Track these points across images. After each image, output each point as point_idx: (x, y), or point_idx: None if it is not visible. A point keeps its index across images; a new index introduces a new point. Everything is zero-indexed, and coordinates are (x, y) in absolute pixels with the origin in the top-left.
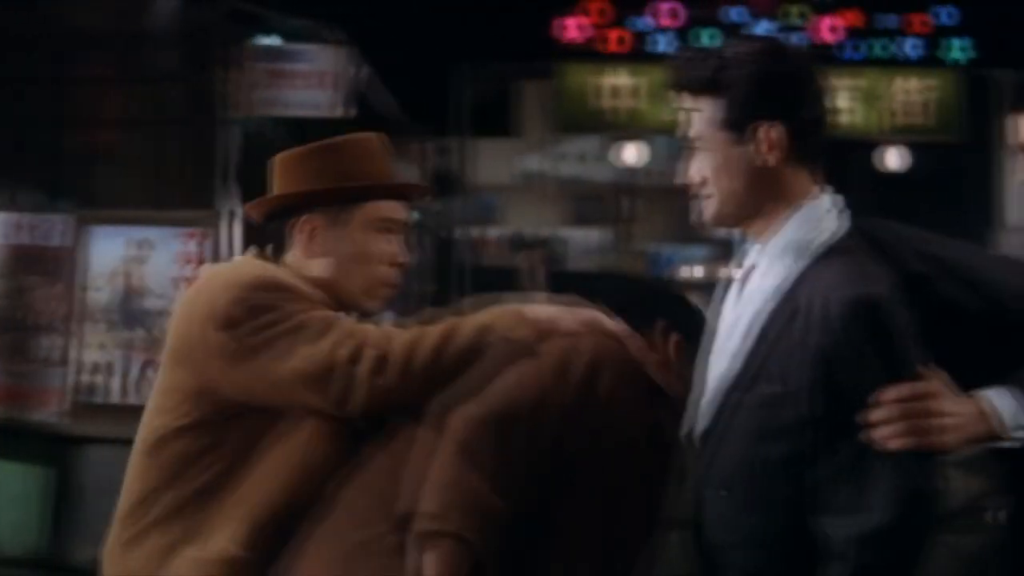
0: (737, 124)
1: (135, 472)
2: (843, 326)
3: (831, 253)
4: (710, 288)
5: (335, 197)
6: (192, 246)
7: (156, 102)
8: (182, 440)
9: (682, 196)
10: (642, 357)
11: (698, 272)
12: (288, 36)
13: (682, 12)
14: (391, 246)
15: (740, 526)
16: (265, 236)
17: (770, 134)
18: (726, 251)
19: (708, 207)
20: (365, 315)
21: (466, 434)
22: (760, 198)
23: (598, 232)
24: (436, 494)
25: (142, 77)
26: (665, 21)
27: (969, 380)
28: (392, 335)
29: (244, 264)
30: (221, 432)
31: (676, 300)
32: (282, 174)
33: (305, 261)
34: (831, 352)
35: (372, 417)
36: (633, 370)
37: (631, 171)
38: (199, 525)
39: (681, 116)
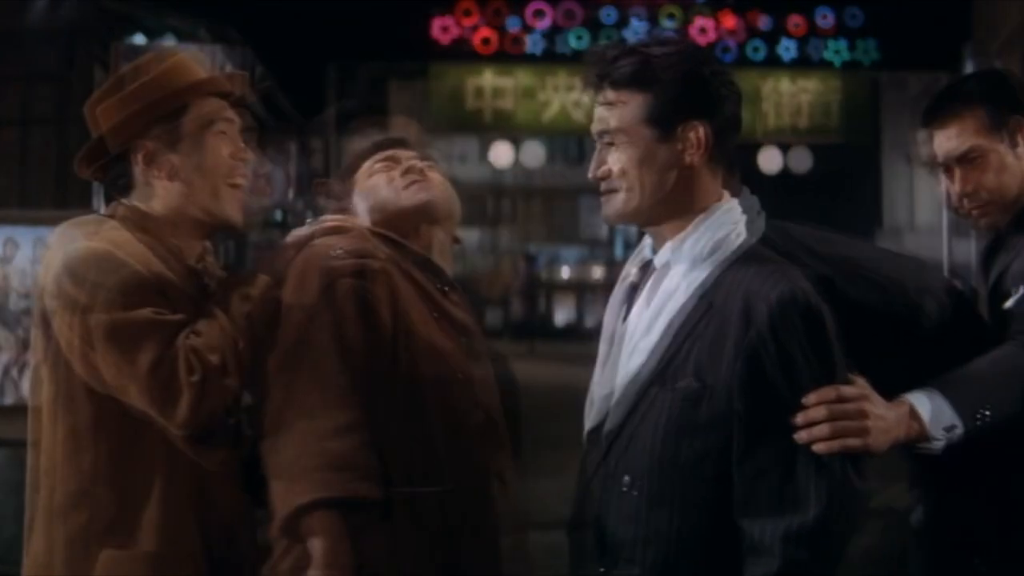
0: (664, 121)
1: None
2: (771, 323)
3: (743, 254)
4: (583, 288)
5: (157, 111)
6: None
7: (26, 101)
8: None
9: (554, 197)
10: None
11: (571, 273)
12: (158, 35)
13: (549, 12)
14: (230, 144)
15: (649, 522)
16: None
17: (696, 133)
18: (600, 252)
19: (616, 201)
20: (230, 228)
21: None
22: (671, 197)
23: (468, 233)
24: (272, 486)
25: (12, 76)
26: (533, 22)
27: (880, 381)
28: (209, 340)
29: (74, 235)
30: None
31: None
32: (94, 117)
33: (152, 193)
34: (758, 348)
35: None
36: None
37: (503, 172)
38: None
39: (599, 111)
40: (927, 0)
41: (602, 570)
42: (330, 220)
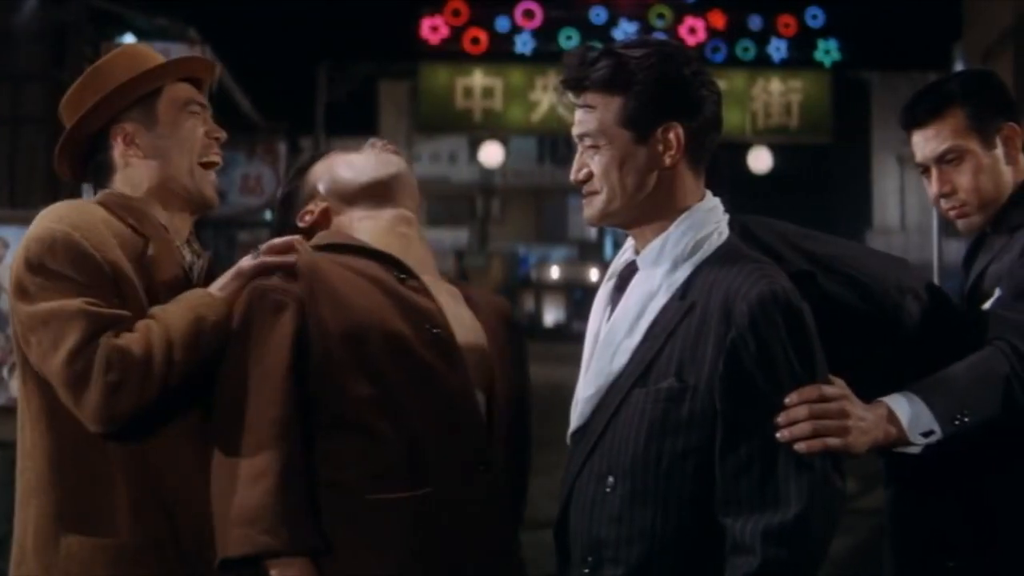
0: (641, 123)
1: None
2: (752, 322)
3: (723, 253)
4: (570, 288)
5: (134, 91)
6: None
7: (15, 100)
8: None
9: (541, 197)
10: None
11: (558, 273)
12: (147, 35)
13: (539, 12)
14: (203, 124)
15: (632, 521)
16: None
17: (673, 134)
18: (587, 252)
19: (597, 204)
20: (207, 206)
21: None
22: (651, 198)
23: (458, 232)
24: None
25: (2, 75)
26: (522, 22)
27: (857, 381)
28: (141, 338)
29: (45, 216)
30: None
31: None
32: (67, 114)
33: (133, 174)
34: (739, 347)
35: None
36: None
37: (490, 172)
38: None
39: (578, 114)
40: (918, 0)
41: (587, 570)
42: (272, 253)
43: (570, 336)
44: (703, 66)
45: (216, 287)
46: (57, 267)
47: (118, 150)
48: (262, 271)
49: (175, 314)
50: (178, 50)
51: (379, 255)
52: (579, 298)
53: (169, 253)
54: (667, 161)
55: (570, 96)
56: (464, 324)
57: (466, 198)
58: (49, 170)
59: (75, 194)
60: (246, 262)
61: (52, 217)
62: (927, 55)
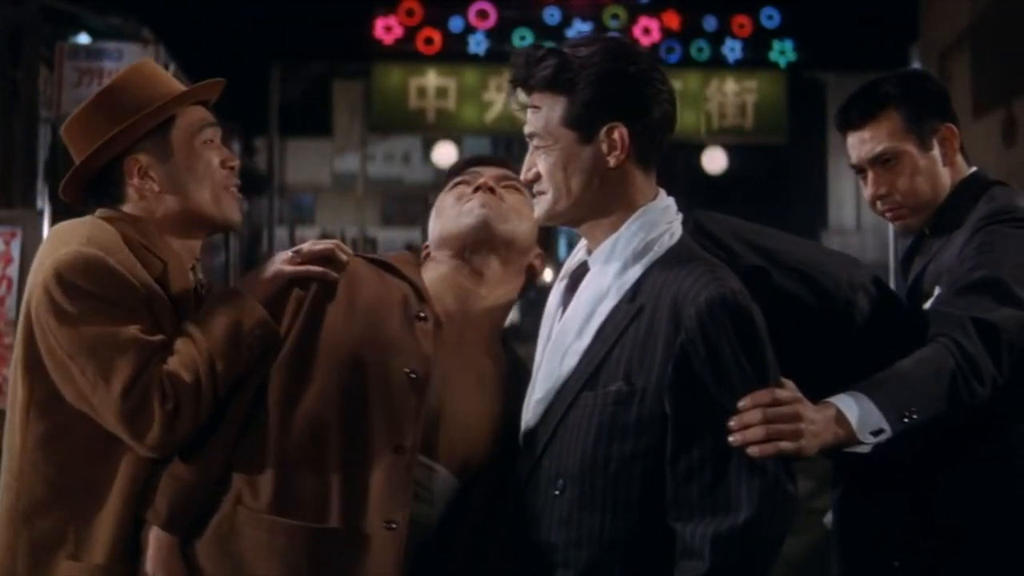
0: (584, 123)
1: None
2: (700, 325)
3: (675, 254)
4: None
5: (146, 124)
6: (14, 246)
7: None
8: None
9: None
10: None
11: None
12: (101, 34)
13: (493, 13)
14: (218, 152)
15: (581, 524)
16: None
17: (616, 134)
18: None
19: (544, 203)
20: (228, 227)
21: None
22: (599, 198)
23: (412, 232)
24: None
25: None
26: (476, 22)
27: (805, 380)
28: (184, 360)
29: (68, 238)
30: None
31: None
32: (78, 139)
33: (148, 205)
34: (688, 350)
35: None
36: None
37: (444, 172)
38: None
39: (528, 114)
40: (875, 1)
41: (536, 573)
42: (313, 257)
43: (523, 336)
44: (654, 64)
45: (247, 284)
46: (96, 289)
47: (133, 183)
48: (302, 278)
49: (212, 325)
50: (132, 50)
51: (411, 283)
52: (532, 297)
53: (184, 276)
54: (612, 162)
55: (522, 95)
56: (464, 389)
57: (420, 198)
58: (4, 170)
59: (29, 194)
60: (286, 266)
61: (77, 239)
62: (883, 56)
